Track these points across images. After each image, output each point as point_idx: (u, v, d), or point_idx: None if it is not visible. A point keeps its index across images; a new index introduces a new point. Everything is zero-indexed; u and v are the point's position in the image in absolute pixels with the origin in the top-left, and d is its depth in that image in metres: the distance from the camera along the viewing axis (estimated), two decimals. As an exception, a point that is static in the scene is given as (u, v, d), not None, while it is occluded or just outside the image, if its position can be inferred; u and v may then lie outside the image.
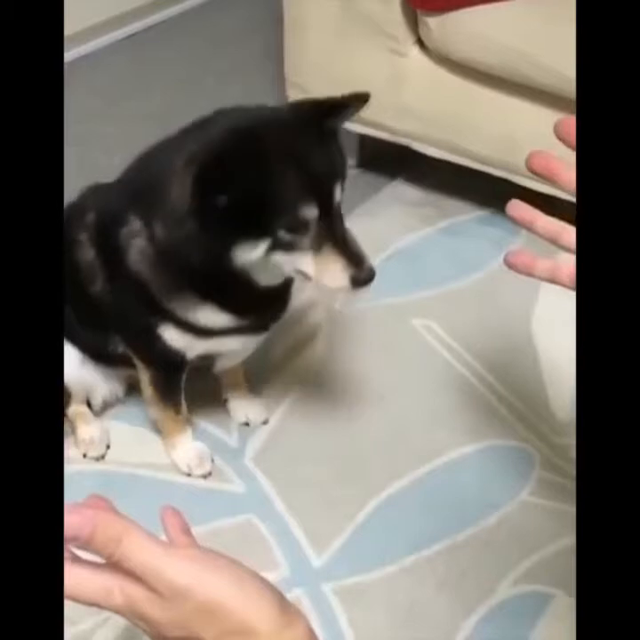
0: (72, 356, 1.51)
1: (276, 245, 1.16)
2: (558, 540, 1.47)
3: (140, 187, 1.30)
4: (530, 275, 0.86)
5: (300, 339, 1.81)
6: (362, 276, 1.17)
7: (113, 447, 1.62)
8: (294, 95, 2.08)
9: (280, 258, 1.18)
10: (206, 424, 1.66)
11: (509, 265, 0.87)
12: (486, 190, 2.07)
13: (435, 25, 1.81)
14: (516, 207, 0.88)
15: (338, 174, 1.19)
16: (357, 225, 2.07)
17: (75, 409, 1.62)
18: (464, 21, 1.78)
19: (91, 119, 2.33)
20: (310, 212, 1.14)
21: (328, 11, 1.93)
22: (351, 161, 2.25)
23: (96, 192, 1.43)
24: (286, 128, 1.19)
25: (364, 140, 2.16)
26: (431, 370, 1.77)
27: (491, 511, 1.52)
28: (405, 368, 1.77)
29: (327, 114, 1.20)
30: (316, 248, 1.17)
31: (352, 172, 2.25)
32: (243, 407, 1.66)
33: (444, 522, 1.50)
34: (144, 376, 1.49)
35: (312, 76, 2.04)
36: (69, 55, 2.50)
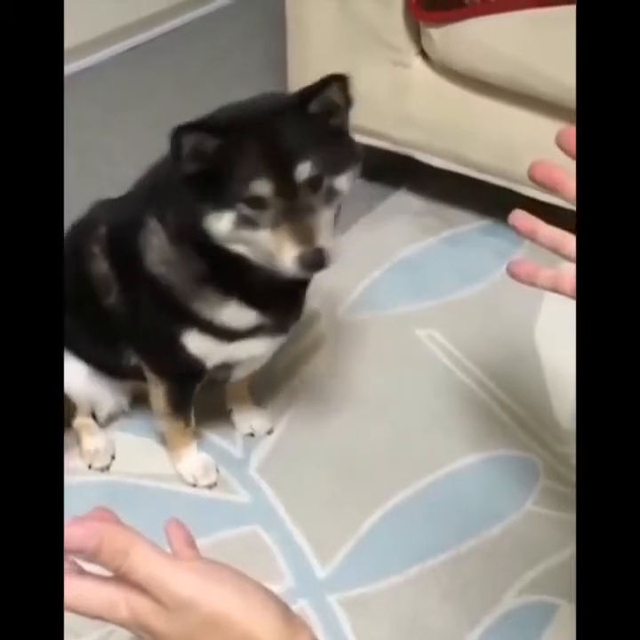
0: (79, 370, 1.51)
1: (240, 220, 1.17)
2: (563, 549, 1.47)
3: (152, 188, 1.32)
4: (532, 284, 0.87)
5: (303, 349, 1.81)
6: (308, 257, 1.15)
7: (118, 458, 1.62)
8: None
9: (245, 234, 1.18)
10: (211, 435, 1.66)
11: (512, 274, 0.87)
12: (489, 200, 2.07)
13: (437, 36, 1.81)
14: (519, 217, 0.88)
15: (307, 155, 1.16)
16: (361, 235, 2.09)
17: (80, 421, 1.62)
18: (467, 32, 1.78)
19: (93, 130, 2.34)
20: (263, 187, 1.15)
21: (330, 22, 1.94)
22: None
23: (106, 205, 1.44)
24: (262, 109, 1.22)
25: (367, 151, 2.15)
26: (435, 379, 1.77)
27: (495, 521, 1.52)
28: (409, 378, 1.77)
29: (309, 97, 1.21)
30: (274, 226, 1.16)
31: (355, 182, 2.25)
32: (247, 418, 1.67)
33: (448, 532, 1.50)
34: (156, 389, 1.49)
35: (315, 86, 2.04)
36: (71, 68, 2.51)
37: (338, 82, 1.23)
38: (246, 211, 1.16)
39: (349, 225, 2.11)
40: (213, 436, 1.66)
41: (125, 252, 1.33)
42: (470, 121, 1.92)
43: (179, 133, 1.15)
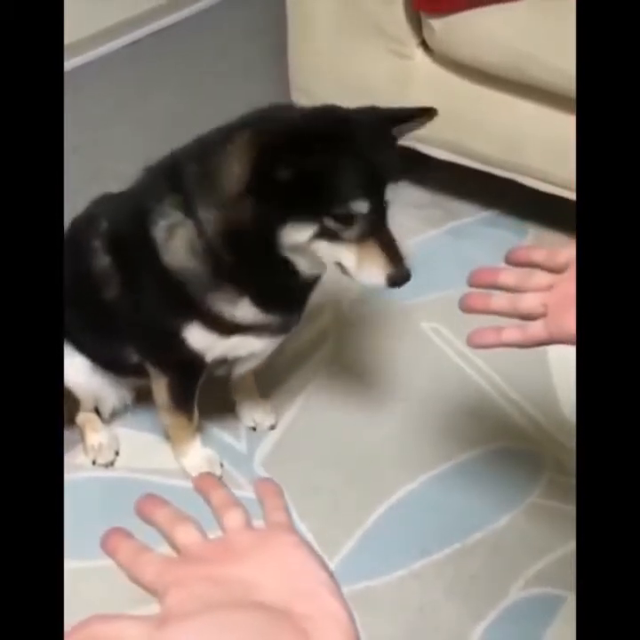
0: (82, 366, 1.51)
1: (323, 232, 1.16)
2: (569, 541, 1.47)
3: (179, 178, 1.26)
4: (500, 346, 1.00)
5: (307, 342, 1.81)
6: (399, 275, 1.18)
7: (122, 454, 1.62)
8: (299, 99, 2.08)
9: (324, 246, 1.18)
10: (215, 430, 1.66)
11: (475, 346, 1.03)
12: (491, 191, 2.06)
13: (438, 27, 1.80)
14: (467, 301, 1.04)
15: (392, 176, 1.19)
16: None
17: (83, 416, 1.62)
18: (467, 23, 1.77)
19: (95, 126, 2.33)
20: (361, 207, 1.15)
21: (331, 13, 1.93)
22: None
23: (106, 200, 1.42)
24: (356, 123, 1.20)
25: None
26: (440, 372, 1.76)
27: (501, 514, 1.52)
28: (414, 371, 1.77)
29: (396, 121, 1.23)
30: (360, 242, 1.17)
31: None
32: (251, 411, 1.67)
33: (454, 525, 1.50)
34: (158, 384, 1.49)
35: (316, 79, 2.04)
36: (72, 63, 2.50)
37: (431, 117, 1.26)
38: (333, 225, 1.15)
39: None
40: (218, 431, 1.66)
41: (130, 245, 1.31)
42: (473, 112, 1.91)
43: (273, 143, 1.13)
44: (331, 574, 0.63)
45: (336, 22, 1.93)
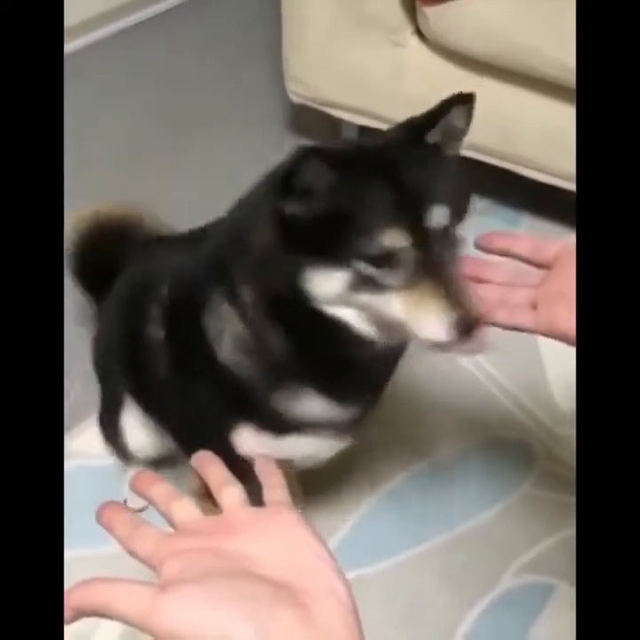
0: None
1: (358, 281, 0.91)
2: (560, 531, 1.48)
3: (218, 257, 1.07)
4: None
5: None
6: (465, 321, 0.87)
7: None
8: (293, 87, 2.08)
9: (365, 298, 0.92)
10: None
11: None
12: (486, 181, 2.06)
13: (432, 15, 1.80)
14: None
15: (439, 196, 0.92)
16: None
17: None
18: (462, 11, 1.77)
19: (89, 113, 2.31)
20: (396, 240, 0.89)
21: (326, 2, 1.92)
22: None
23: (170, 255, 1.24)
24: (379, 143, 0.98)
25: (365, 132, 2.15)
26: (432, 362, 1.76)
27: (493, 503, 1.52)
28: (404, 359, 1.76)
29: (429, 125, 0.97)
30: (409, 286, 0.90)
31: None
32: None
33: (447, 514, 1.51)
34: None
35: (311, 68, 2.03)
36: (68, 48, 2.48)
37: (464, 103, 1.00)
38: (369, 270, 0.90)
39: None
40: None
41: (186, 330, 1.12)
42: (467, 101, 1.90)
43: (301, 159, 0.89)
44: (330, 551, 0.64)
45: (330, 11, 1.92)
